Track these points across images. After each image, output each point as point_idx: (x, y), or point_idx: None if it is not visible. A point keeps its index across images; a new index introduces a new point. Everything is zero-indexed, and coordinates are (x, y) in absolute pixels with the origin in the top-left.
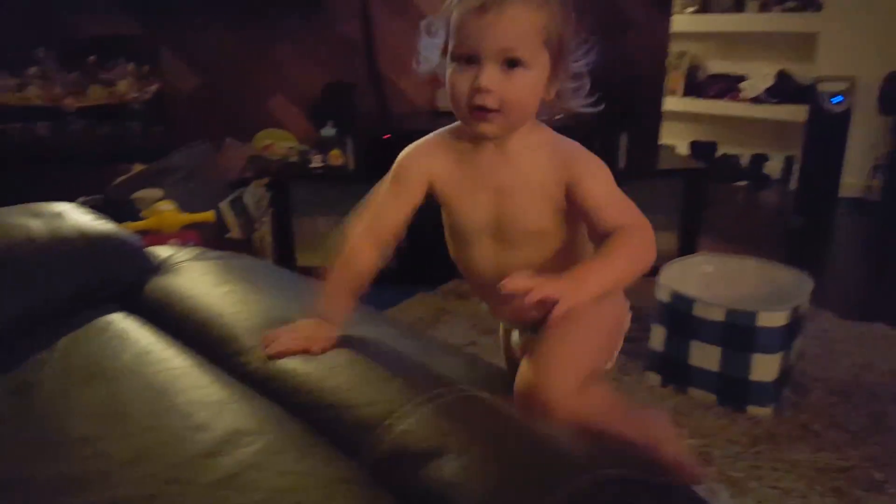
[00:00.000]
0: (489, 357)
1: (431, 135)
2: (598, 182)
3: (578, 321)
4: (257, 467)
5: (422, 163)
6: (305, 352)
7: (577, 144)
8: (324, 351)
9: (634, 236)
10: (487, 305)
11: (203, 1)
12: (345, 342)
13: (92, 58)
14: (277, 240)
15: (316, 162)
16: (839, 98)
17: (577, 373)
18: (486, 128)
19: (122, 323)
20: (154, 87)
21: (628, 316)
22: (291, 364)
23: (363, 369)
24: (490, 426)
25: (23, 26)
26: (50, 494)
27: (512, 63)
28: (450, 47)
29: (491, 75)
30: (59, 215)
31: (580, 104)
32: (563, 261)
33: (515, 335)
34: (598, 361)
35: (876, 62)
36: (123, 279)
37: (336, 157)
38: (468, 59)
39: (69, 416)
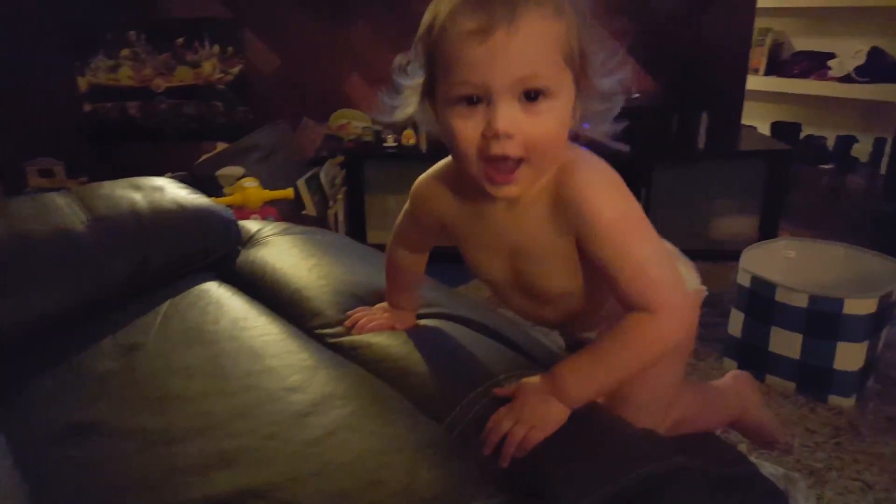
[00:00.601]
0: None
1: (441, 168)
2: (609, 243)
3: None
4: (348, 429)
5: (430, 206)
6: (391, 328)
7: (585, 181)
8: (405, 327)
9: (648, 331)
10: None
11: None
12: (428, 317)
13: (180, 40)
14: (350, 217)
15: (389, 142)
16: None
17: (660, 410)
18: (510, 191)
19: (218, 291)
20: (237, 69)
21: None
22: (377, 338)
23: (452, 344)
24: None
25: (118, 9)
26: (159, 443)
27: (533, 94)
28: (442, 87)
29: (509, 115)
30: (159, 189)
31: (608, 132)
32: (603, 301)
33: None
34: (675, 384)
35: None
36: (218, 250)
37: (409, 137)
38: (471, 99)
39: (172, 375)
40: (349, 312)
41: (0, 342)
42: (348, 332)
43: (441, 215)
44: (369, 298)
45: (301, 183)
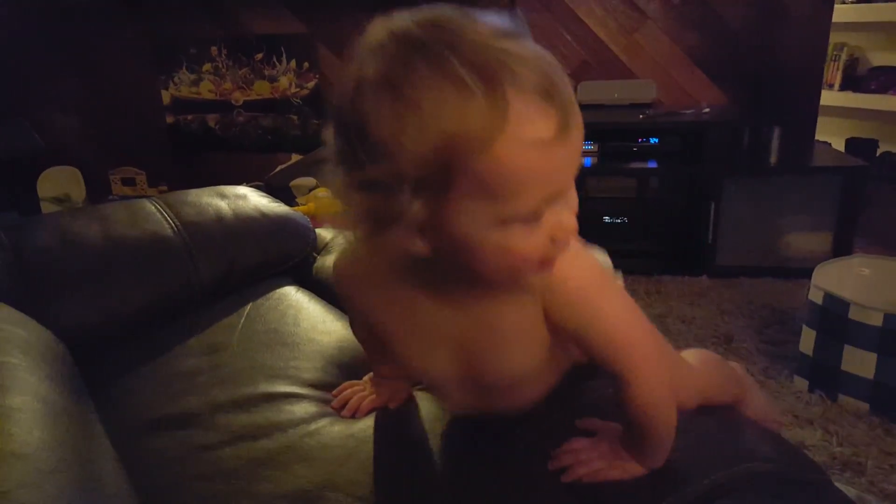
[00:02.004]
0: None
1: (351, 252)
2: (600, 318)
3: None
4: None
5: (353, 301)
6: (382, 405)
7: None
8: (399, 403)
9: (640, 398)
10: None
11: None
12: None
13: (259, 55)
14: None
15: None
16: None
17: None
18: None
19: (296, 295)
20: (312, 83)
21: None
22: None
23: None
24: None
25: (201, 24)
26: (245, 438)
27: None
28: (492, 206)
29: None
30: (242, 197)
31: None
32: (552, 372)
33: None
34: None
35: None
36: (296, 255)
37: None
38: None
39: (254, 375)
40: (335, 392)
41: (95, 339)
42: None
43: (362, 302)
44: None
45: None
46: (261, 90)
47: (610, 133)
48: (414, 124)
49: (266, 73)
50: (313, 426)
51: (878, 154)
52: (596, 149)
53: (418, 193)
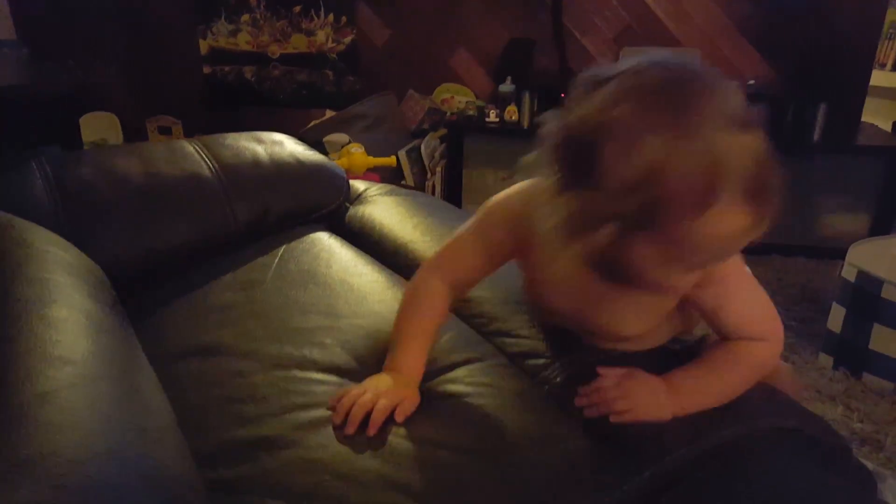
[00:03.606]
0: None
1: (531, 193)
2: (739, 300)
3: None
4: (468, 363)
5: (511, 237)
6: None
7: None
8: (406, 417)
9: (759, 353)
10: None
11: None
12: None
13: (297, 7)
14: (447, 189)
15: (491, 117)
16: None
17: None
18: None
19: (329, 240)
20: (349, 39)
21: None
22: (477, 292)
23: (533, 312)
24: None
25: None
26: (276, 367)
27: None
28: (661, 245)
29: None
30: (279, 143)
31: None
32: (653, 339)
33: None
34: None
35: None
36: (330, 203)
37: (511, 113)
38: None
39: (289, 309)
40: (331, 399)
41: (133, 272)
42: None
43: (524, 240)
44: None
45: (402, 153)
46: (298, 44)
47: None
48: (645, 175)
49: (304, 26)
50: (348, 355)
51: None
52: None
53: (615, 222)
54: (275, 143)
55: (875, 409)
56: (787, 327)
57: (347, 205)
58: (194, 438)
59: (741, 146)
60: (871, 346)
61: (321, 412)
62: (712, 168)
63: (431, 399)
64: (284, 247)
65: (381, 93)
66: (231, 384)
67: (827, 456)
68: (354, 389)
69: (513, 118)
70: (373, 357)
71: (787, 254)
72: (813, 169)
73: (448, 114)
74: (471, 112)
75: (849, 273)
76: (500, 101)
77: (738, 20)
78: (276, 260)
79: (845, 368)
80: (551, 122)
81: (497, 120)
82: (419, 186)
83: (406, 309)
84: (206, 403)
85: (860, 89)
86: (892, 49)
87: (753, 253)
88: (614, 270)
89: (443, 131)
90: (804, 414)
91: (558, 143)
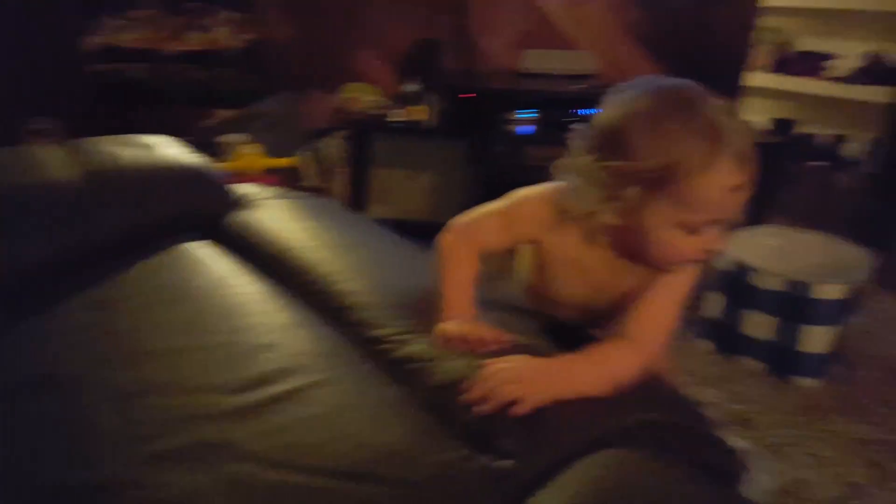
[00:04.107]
0: None
1: (549, 198)
2: (659, 299)
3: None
4: (319, 385)
5: (535, 227)
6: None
7: None
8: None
9: (634, 354)
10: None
11: None
12: (410, 282)
13: (193, 3)
14: (352, 190)
15: (397, 116)
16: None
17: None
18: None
19: (202, 250)
20: (249, 36)
21: None
22: (359, 298)
23: (422, 309)
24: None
25: None
26: (130, 397)
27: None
28: (671, 210)
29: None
30: (149, 146)
31: None
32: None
33: None
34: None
35: None
36: (208, 210)
37: (417, 113)
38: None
39: (148, 331)
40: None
41: None
42: (331, 289)
43: (541, 238)
44: (354, 259)
45: (305, 154)
46: (195, 40)
47: (550, 102)
48: (664, 146)
49: (201, 22)
50: (207, 383)
51: (798, 134)
52: (537, 117)
53: (639, 184)
54: (148, 146)
55: (750, 390)
56: None
57: (231, 211)
58: (20, 487)
59: (733, 125)
60: (744, 331)
61: (168, 442)
62: (713, 136)
63: (288, 420)
64: (143, 262)
65: (283, 92)
66: (78, 421)
67: (691, 439)
68: (497, 364)
69: (418, 117)
70: (238, 383)
71: None
72: None
73: (353, 113)
74: (375, 111)
75: (723, 262)
76: (407, 101)
77: (629, 25)
78: (141, 275)
79: (722, 352)
80: (582, 127)
81: (402, 119)
82: (323, 187)
83: (448, 263)
84: (39, 445)
85: (736, 90)
86: (768, 53)
87: None
88: (633, 235)
89: (347, 131)
90: (671, 404)
91: (594, 134)
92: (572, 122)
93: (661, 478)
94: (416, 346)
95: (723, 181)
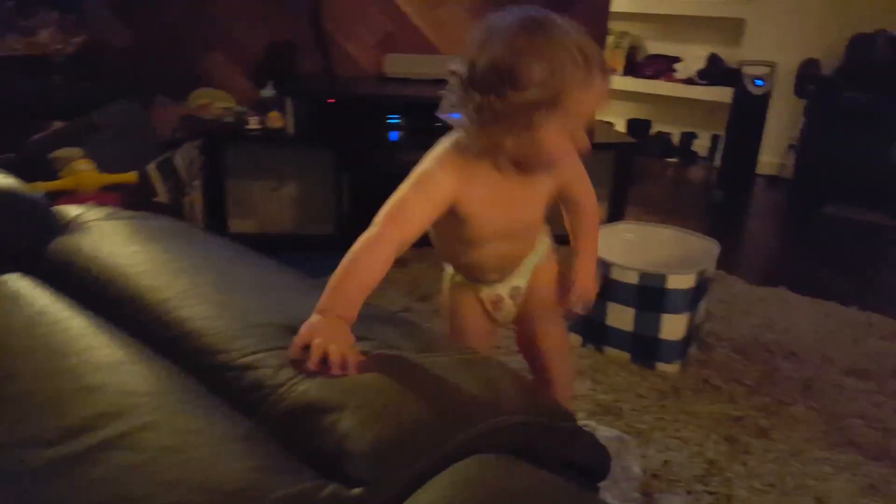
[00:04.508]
0: (424, 321)
1: (451, 152)
2: (580, 168)
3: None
4: (149, 427)
5: (455, 181)
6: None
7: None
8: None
9: (593, 210)
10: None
11: None
12: (261, 301)
13: (10, 3)
14: (209, 204)
15: (253, 124)
16: (761, 82)
17: None
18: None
19: (16, 284)
20: (80, 39)
21: None
22: (199, 324)
23: (274, 330)
24: (397, 381)
25: None
26: None
27: None
28: (568, 123)
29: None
30: None
31: None
32: (535, 235)
33: (486, 291)
34: None
35: (795, 49)
36: (21, 239)
37: (275, 120)
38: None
39: None
40: (289, 355)
41: None
42: (168, 318)
43: (462, 190)
44: (195, 282)
45: (152, 167)
46: (14, 45)
47: (415, 107)
48: (551, 73)
49: (21, 24)
50: (17, 435)
51: (651, 133)
52: (402, 122)
53: (535, 110)
54: None
55: (616, 379)
56: None
57: (52, 237)
58: None
59: (587, 40)
60: (608, 323)
61: None
62: (584, 55)
63: (113, 470)
64: None
65: (124, 100)
66: None
67: (555, 437)
68: (316, 340)
69: (277, 125)
70: (55, 432)
71: None
72: None
73: (205, 121)
74: (229, 119)
75: None
76: (262, 107)
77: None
78: None
79: (591, 344)
80: (459, 66)
81: (259, 127)
82: (176, 203)
83: (354, 261)
84: None
85: None
86: (621, 57)
87: None
88: (530, 151)
89: (199, 141)
90: (538, 405)
91: (482, 74)
92: (440, 127)
93: (520, 483)
94: (263, 372)
95: (598, 91)
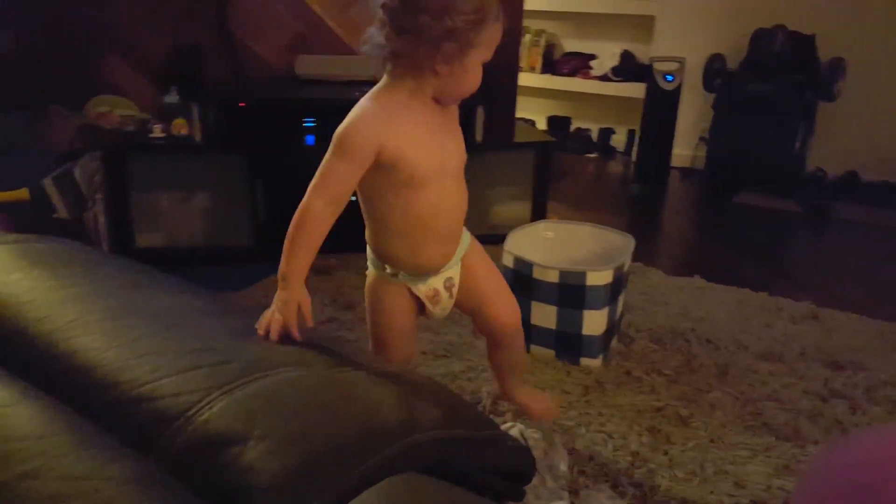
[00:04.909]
0: (347, 333)
1: (368, 105)
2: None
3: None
4: (32, 475)
5: (373, 133)
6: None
7: None
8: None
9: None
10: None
11: None
12: (156, 327)
13: None
14: (112, 219)
15: (157, 132)
16: (671, 77)
17: None
18: None
19: None
20: None
21: None
22: (89, 356)
23: (170, 358)
24: (305, 404)
25: None
26: None
27: None
28: (486, 55)
29: None
30: None
31: None
32: (465, 192)
33: (422, 287)
34: None
35: (702, 44)
36: None
37: (180, 127)
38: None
39: None
40: (261, 323)
41: None
42: (57, 353)
43: (382, 136)
44: (86, 310)
45: (49, 182)
46: None
47: (331, 110)
48: (478, 6)
49: None
50: None
51: (571, 129)
52: (318, 125)
53: (460, 39)
54: None
55: (542, 377)
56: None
57: None
58: None
59: None
60: (532, 322)
61: None
62: None
63: None
64: None
65: (12, 110)
66: None
67: (483, 445)
68: (267, 312)
69: (182, 132)
70: None
71: None
72: (479, 166)
73: (105, 131)
74: (131, 128)
75: (507, 259)
76: (167, 114)
77: None
78: None
79: None
80: (375, 5)
81: (164, 135)
82: (77, 219)
83: (296, 230)
84: None
85: (511, 91)
86: (539, 55)
87: None
88: (456, 84)
89: (101, 152)
90: (452, 415)
91: (410, 14)
92: None
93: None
94: (159, 404)
95: (501, 28)
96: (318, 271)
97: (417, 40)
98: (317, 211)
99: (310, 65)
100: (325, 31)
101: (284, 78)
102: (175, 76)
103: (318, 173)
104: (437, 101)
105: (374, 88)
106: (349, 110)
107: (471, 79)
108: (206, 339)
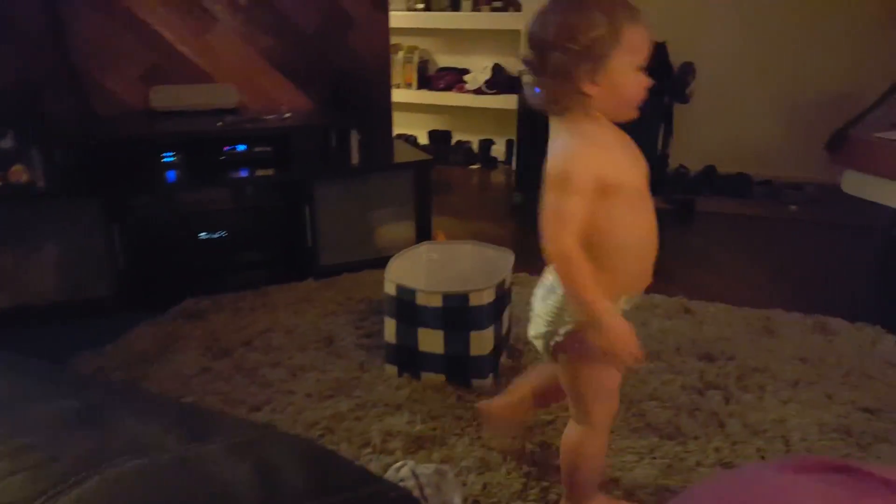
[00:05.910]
0: (223, 384)
1: (569, 141)
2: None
3: None
4: None
5: (591, 167)
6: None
7: None
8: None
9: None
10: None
11: None
12: None
13: None
14: None
15: None
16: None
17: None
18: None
19: None
20: None
21: None
22: None
23: None
24: (145, 501)
25: None
26: None
27: None
28: (633, 59)
29: None
30: None
31: None
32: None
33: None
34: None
35: None
36: None
37: (19, 174)
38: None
39: None
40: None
41: None
42: None
43: (599, 168)
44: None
45: None
46: None
47: (193, 142)
48: (601, 13)
49: None
50: None
51: (452, 143)
52: (179, 160)
53: (600, 46)
54: None
55: (434, 405)
56: (358, 346)
57: None
58: None
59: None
60: (420, 349)
61: None
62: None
63: None
64: None
65: None
66: None
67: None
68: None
69: (21, 179)
70: None
71: (355, 270)
72: (359, 189)
73: None
74: None
75: (389, 288)
76: (2, 162)
77: (265, 53)
78: None
79: (407, 373)
80: (527, 54)
81: (0, 184)
82: None
83: (573, 270)
84: None
85: (385, 110)
86: (413, 71)
87: (326, 275)
88: (615, 96)
89: None
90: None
91: (548, 43)
92: (223, 160)
93: None
94: None
95: (643, 25)
96: (188, 316)
97: (560, 75)
98: (573, 247)
99: (166, 96)
100: (179, 59)
101: (139, 112)
102: (10, 119)
103: (551, 220)
104: (611, 117)
105: (563, 129)
106: (213, 142)
107: (628, 87)
108: (30, 432)
